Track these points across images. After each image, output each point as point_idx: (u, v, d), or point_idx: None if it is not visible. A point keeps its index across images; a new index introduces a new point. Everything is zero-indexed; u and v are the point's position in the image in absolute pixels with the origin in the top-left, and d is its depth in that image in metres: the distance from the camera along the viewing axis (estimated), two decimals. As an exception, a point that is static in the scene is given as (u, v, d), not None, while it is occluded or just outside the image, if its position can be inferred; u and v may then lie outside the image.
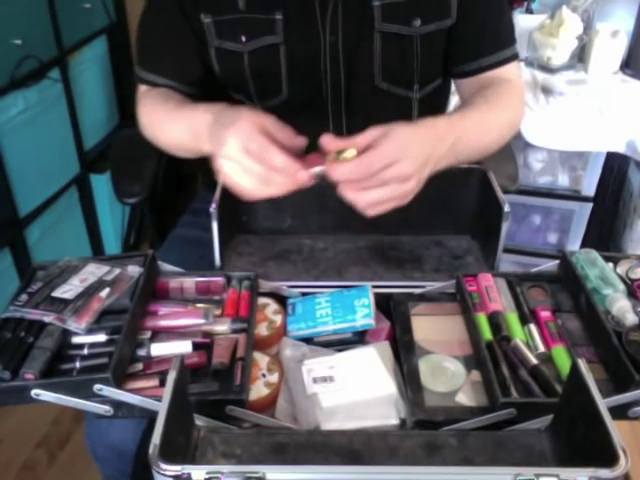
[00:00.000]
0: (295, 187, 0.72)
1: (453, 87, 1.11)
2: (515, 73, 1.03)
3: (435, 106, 1.09)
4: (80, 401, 0.64)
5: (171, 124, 0.92)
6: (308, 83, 0.97)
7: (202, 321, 0.73)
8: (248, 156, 0.71)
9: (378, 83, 0.99)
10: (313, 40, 0.94)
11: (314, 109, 1.00)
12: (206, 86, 1.04)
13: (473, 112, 0.91)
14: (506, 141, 1.00)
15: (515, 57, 1.02)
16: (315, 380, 0.68)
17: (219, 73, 1.00)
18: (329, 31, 0.94)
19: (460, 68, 1.02)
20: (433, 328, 0.77)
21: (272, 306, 0.80)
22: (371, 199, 0.72)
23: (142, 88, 1.02)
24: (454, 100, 1.21)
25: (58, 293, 0.72)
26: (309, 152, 0.93)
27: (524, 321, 0.74)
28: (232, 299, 0.78)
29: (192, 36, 0.96)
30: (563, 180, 1.83)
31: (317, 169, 0.73)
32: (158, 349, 0.71)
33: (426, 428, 0.65)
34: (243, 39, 0.94)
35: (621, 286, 0.75)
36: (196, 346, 0.71)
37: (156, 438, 0.52)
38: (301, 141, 0.76)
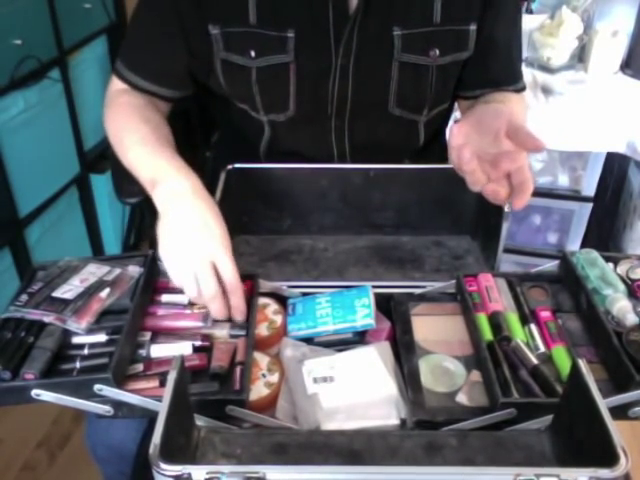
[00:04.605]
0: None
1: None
2: (523, 96, 1.07)
3: (439, 124, 1.10)
4: (80, 401, 0.64)
5: (137, 154, 0.85)
6: (315, 100, 0.97)
7: (201, 324, 0.73)
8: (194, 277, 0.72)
9: (391, 109, 0.99)
10: (324, 61, 0.94)
11: (318, 124, 1.00)
12: (203, 91, 1.04)
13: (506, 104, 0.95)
14: None
15: (523, 89, 1.06)
16: (315, 380, 0.68)
17: (224, 85, 0.98)
18: (342, 54, 0.93)
19: (472, 93, 1.04)
20: (433, 328, 0.77)
21: (272, 306, 0.80)
22: None
23: (118, 84, 0.99)
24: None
25: (58, 293, 0.72)
26: (312, 161, 0.93)
27: (524, 321, 0.74)
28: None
29: (182, 41, 0.94)
30: (563, 180, 1.83)
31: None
32: (158, 350, 0.71)
33: (426, 428, 0.65)
34: (252, 54, 0.93)
35: (621, 286, 0.75)
36: (196, 348, 0.71)
37: (156, 438, 0.52)
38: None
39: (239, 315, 0.74)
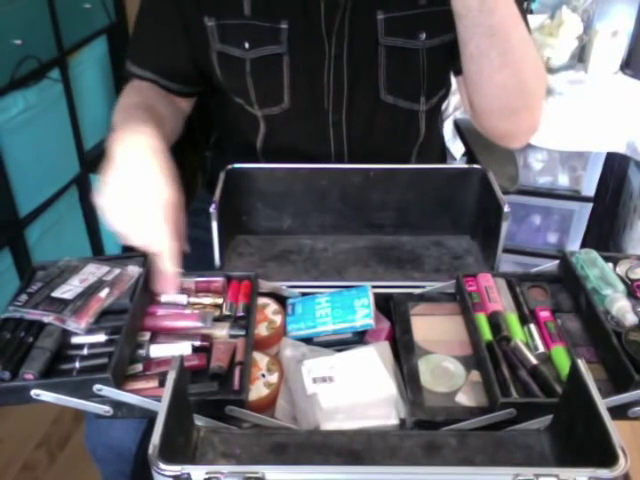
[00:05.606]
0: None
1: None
2: None
3: (437, 114, 1.09)
4: (80, 401, 0.64)
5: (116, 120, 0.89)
6: (310, 93, 0.97)
7: (201, 324, 0.73)
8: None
9: (383, 97, 0.98)
10: (317, 52, 0.94)
11: (315, 118, 0.99)
12: (204, 86, 1.04)
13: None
14: (527, 87, 0.92)
15: None
16: (315, 380, 0.68)
17: (220, 77, 0.99)
18: (335, 43, 0.93)
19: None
20: (433, 328, 0.77)
21: (272, 306, 0.80)
22: None
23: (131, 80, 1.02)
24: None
25: (58, 293, 0.72)
26: (310, 161, 0.93)
27: (524, 321, 0.74)
28: (233, 291, 0.78)
29: (183, 35, 0.96)
30: (563, 180, 1.83)
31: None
32: (157, 350, 0.71)
33: (426, 428, 0.65)
34: (246, 45, 0.93)
35: (621, 286, 0.75)
36: (195, 348, 0.71)
37: (156, 438, 0.52)
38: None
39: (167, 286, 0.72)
